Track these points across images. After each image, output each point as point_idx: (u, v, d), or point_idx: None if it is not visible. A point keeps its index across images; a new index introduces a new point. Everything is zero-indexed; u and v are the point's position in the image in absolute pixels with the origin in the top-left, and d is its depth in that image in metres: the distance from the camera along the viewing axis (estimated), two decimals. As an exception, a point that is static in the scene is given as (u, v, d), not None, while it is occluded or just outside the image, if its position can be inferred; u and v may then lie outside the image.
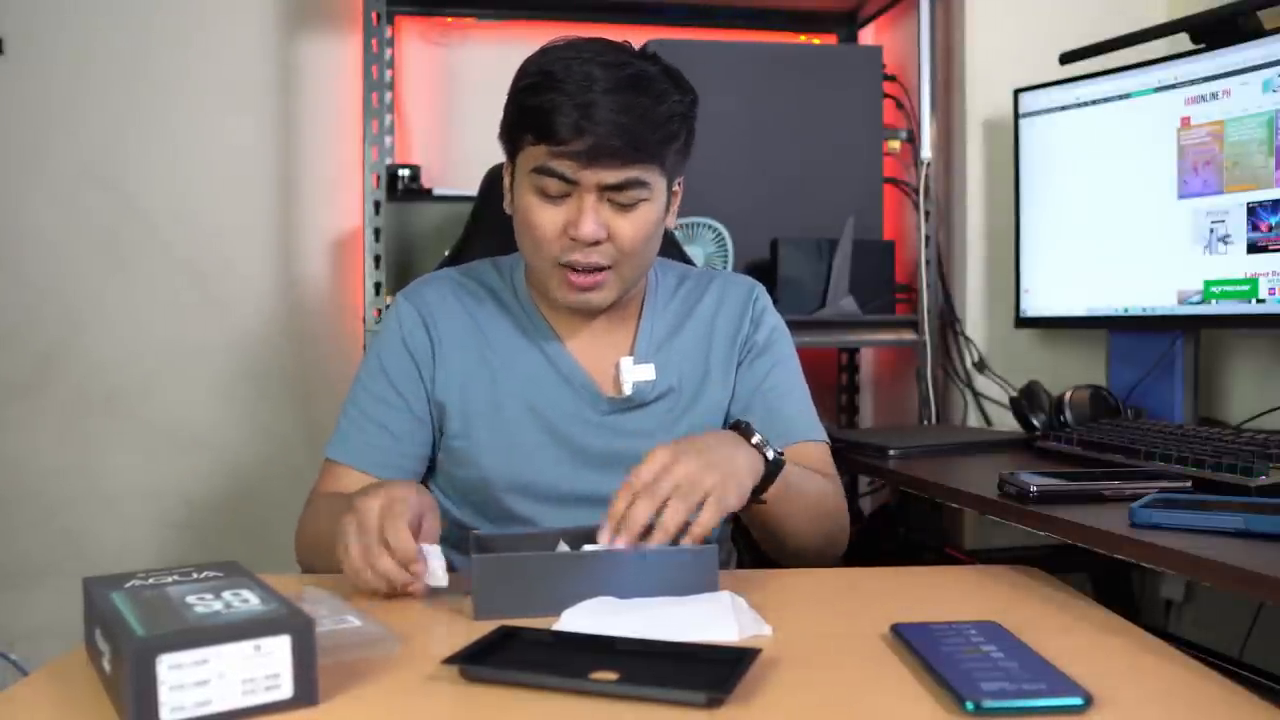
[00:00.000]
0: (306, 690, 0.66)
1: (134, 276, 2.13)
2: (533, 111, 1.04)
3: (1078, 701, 0.65)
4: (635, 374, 1.16)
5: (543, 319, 1.18)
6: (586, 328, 1.18)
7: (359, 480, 1.12)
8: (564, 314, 1.17)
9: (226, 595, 0.70)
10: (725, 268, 1.90)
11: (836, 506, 1.18)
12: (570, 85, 1.02)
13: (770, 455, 1.00)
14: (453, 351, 1.17)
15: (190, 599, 0.70)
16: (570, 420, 1.15)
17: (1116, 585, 1.76)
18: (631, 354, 1.18)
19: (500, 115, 1.13)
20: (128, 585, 0.74)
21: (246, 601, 0.69)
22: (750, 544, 1.29)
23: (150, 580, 0.75)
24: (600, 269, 1.08)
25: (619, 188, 1.05)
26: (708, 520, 0.90)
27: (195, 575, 0.76)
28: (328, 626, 0.80)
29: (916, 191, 2.05)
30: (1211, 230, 1.53)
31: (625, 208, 1.06)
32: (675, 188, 1.15)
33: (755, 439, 1.00)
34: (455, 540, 1.18)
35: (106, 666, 0.68)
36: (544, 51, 1.08)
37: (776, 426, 1.15)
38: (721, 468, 0.93)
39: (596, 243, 1.06)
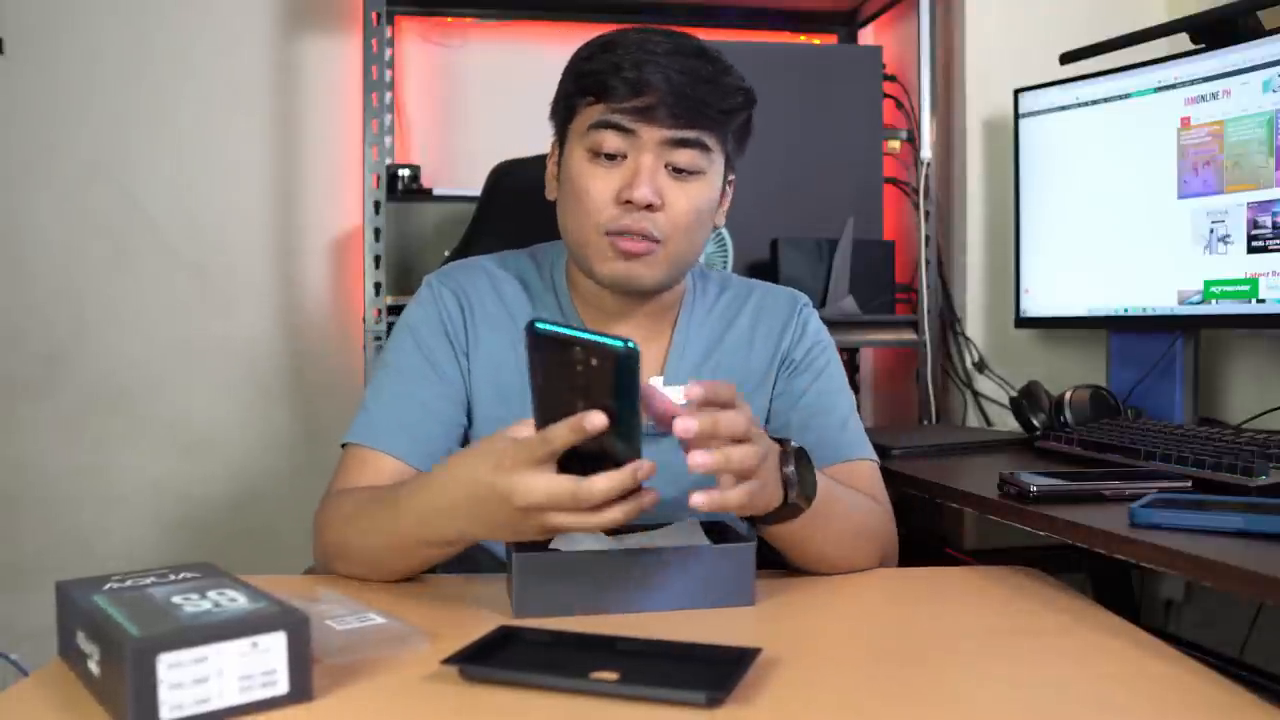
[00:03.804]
0: (301, 686, 0.67)
1: (138, 276, 2.13)
2: (591, 75, 1.01)
3: None
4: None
5: (581, 321, 1.12)
6: (624, 333, 1.10)
7: (390, 468, 1.03)
8: (603, 314, 1.12)
9: (212, 594, 0.70)
10: (725, 268, 1.90)
11: (880, 531, 1.07)
12: (631, 47, 1.00)
13: (790, 498, 0.90)
14: (489, 343, 1.11)
15: (176, 599, 0.69)
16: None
17: (1116, 585, 1.75)
18: (662, 374, 1.12)
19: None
20: (106, 588, 0.73)
21: (235, 600, 0.69)
22: (763, 548, 1.29)
23: (128, 582, 0.74)
24: (651, 239, 1.02)
25: (680, 144, 1.01)
26: (734, 500, 0.81)
27: (172, 576, 0.75)
28: (352, 625, 0.80)
29: (916, 191, 2.05)
30: (1211, 230, 1.53)
31: (682, 177, 1.02)
32: (726, 187, 1.12)
33: (787, 469, 0.90)
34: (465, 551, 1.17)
35: (94, 669, 0.67)
36: (600, 35, 1.05)
37: (813, 447, 1.06)
38: (768, 476, 0.86)
39: (650, 207, 1.01)
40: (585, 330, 0.74)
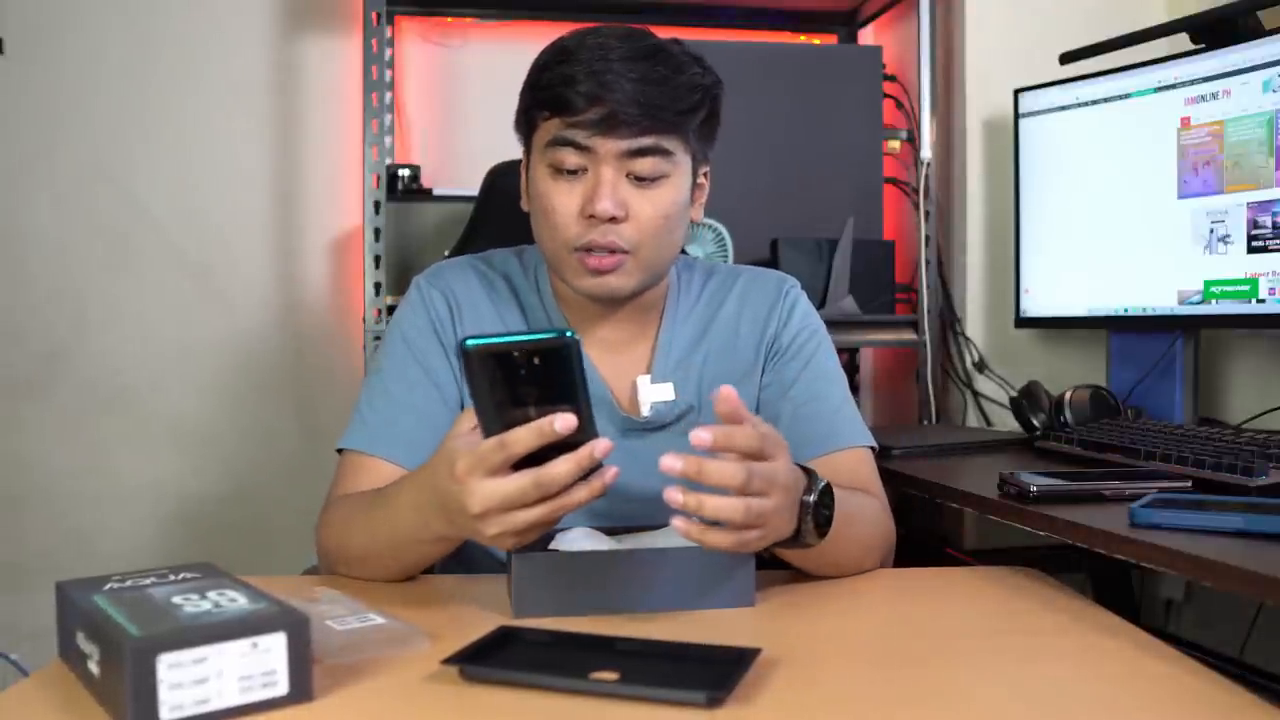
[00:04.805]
0: (301, 687, 0.66)
1: (138, 276, 2.13)
2: (546, 87, 1.00)
3: None
4: (653, 394, 1.09)
5: (565, 321, 1.12)
6: (609, 335, 1.12)
7: (387, 473, 1.02)
8: (587, 317, 1.11)
9: (212, 595, 0.70)
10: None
11: (883, 533, 1.05)
12: (585, 55, 0.99)
13: (803, 532, 0.88)
14: None
15: (176, 599, 0.69)
16: None
17: (1116, 585, 1.76)
18: (649, 371, 1.11)
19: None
20: (106, 588, 0.73)
21: (235, 601, 0.69)
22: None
23: (128, 583, 0.74)
24: (619, 251, 1.01)
25: (638, 154, 0.99)
26: (713, 541, 0.80)
27: (172, 576, 0.75)
28: (352, 625, 0.80)
29: (916, 191, 2.05)
30: (1211, 230, 1.53)
31: (646, 184, 1.01)
32: (701, 179, 1.10)
33: (808, 498, 0.87)
34: (458, 552, 1.16)
35: (94, 669, 0.67)
36: (560, 37, 1.04)
37: (806, 436, 1.08)
38: (778, 524, 0.83)
39: (614, 219, 0.99)
40: (518, 333, 0.73)
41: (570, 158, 1.01)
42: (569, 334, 0.72)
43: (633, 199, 1.01)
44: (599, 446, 0.76)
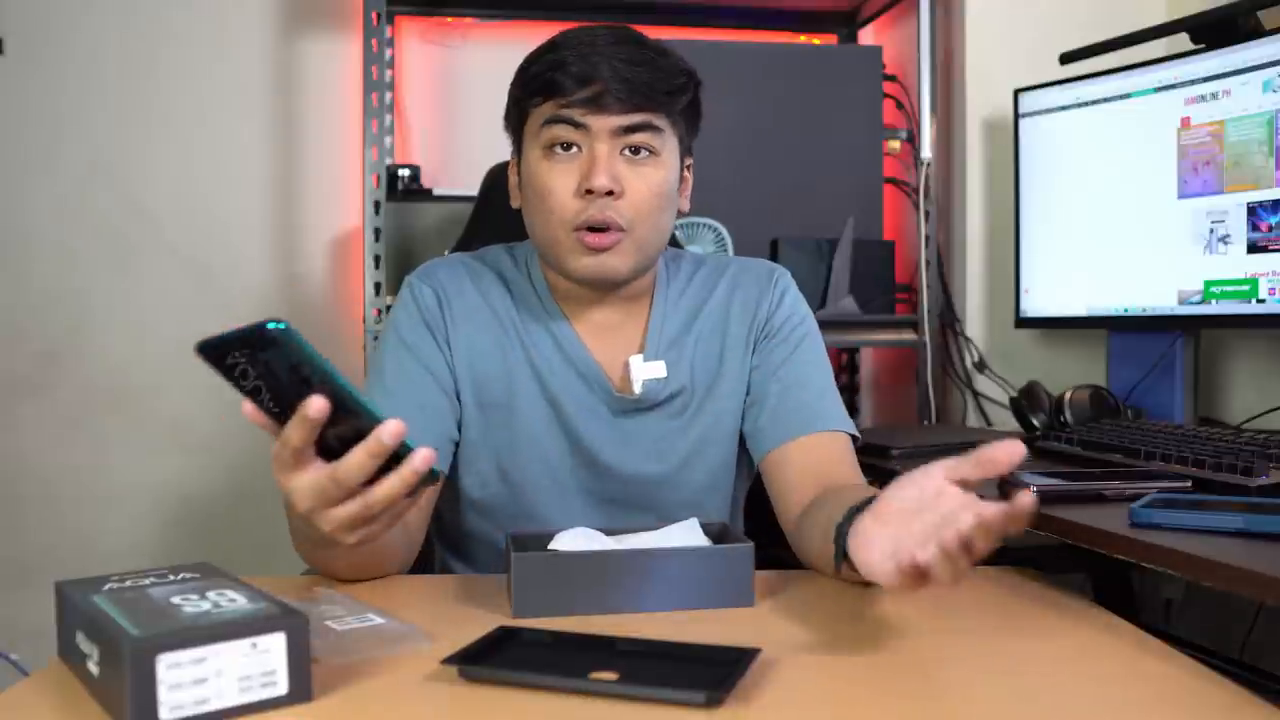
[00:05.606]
0: (301, 687, 0.67)
1: (138, 276, 2.13)
2: (537, 76, 1.04)
3: None
4: (645, 372, 1.11)
5: (557, 306, 1.13)
6: (600, 319, 1.13)
7: None
8: (580, 304, 1.13)
9: (212, 595, 0.70)
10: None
11: None
12: (572, 43, 1.03)
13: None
14: (467, 333, 1.12)
15: (175, 599, 0.69)
16: (583, 414, 1.11)
17: (1116, 585, 1.75)
18: (641, 351, 1.13)
19: (501, 115, 1.12)
20: (105, 588, 0.73)
21: (234, 601, 0.69)
22: (757, 545, 1.29)
23: (128, 583, 0.74)
24: (615, 229, 1.03)
25: (631, 130, 1.02)
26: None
27: (172, 577, 0.75)
28: (352, 625, 0.80)
29: (916, 191, 2.05)
30: (1211, 230, 1.53)
31: (638, 160, 1.04)
32: (685, 172, 1.12)
33: None
34: (457, 545, 1.18)
35: (94, 669, 0.67)
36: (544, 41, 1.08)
37: (791, 417, 1.11)
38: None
39: (611, 194, 1.02)
40: (236, 329, 0.68)
41: (566, 133, 1.03)
42: (277, 322, 0.68)
43: (627, 175, 1.03)
44: (386, 430, 0.71)
